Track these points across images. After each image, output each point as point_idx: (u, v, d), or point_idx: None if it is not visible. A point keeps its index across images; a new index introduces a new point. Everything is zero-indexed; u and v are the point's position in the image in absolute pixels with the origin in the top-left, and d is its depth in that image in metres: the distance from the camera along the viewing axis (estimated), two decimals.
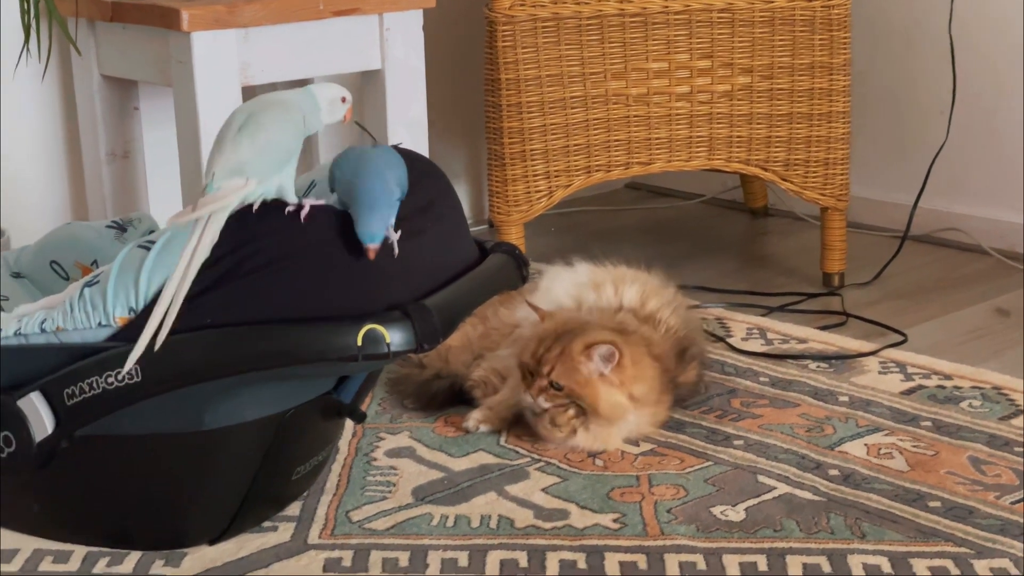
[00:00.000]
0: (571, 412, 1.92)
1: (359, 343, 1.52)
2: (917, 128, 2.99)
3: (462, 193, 3.12)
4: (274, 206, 1.58)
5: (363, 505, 1.80)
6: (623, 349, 1.91)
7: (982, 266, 2.82)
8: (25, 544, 1.70)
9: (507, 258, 1.74)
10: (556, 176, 2.59)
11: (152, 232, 1.80)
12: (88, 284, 1.61)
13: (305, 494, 1.82)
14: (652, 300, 2.09)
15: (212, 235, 1.54)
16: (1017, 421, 2.03)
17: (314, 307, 1.55)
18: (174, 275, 1.52)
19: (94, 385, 1.57)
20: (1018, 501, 1.78)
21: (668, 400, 2.02)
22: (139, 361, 1.53)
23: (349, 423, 2.00)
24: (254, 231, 1.57)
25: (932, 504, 1.78)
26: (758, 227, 3.19)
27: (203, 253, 1.53)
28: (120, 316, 1.59)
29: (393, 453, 1.96)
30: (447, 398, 2.09)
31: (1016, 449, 1.93)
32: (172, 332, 1.52)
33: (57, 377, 1.59)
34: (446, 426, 2.04)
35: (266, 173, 1.56)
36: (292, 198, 1.60)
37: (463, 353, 2.11)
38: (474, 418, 2.01)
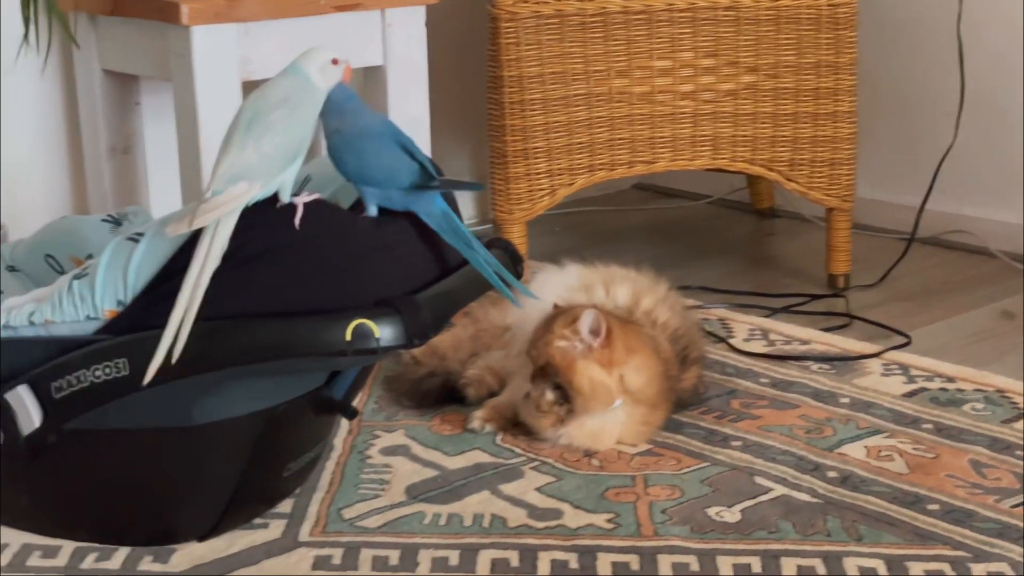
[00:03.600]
0: (550, 396, 1.89)
1: (348, 338, 1.50)
2: (925, 129, 2.96)
3: (465, 191, 3.09)
4: (266, 200, 1.57)
5: (355, 503, 1.78)
6: (612, 323, 1.87)
7: (988, 269, 2.79)
8: (14, 539, 1.69)
9: (501, 253, 1.72)
10: (559, 174, 2.57)
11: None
12: (77, 276, 1.60)
13: (297, 491, 1.80)
14: (645, 298, 2.06)
15: (222, 243, 1.52)
16: (1019, 424, 2.00)
17: (303, 301, 1.54)
18: (185, 285, 1.50)
19: (82, 378, 1.55)
20: (1018, 505, 1.76)
21: (666, 408, 1.98)
22: (127, 354, 1.52)
23: (344, 421, 1.98)
24: (245, 224, 1.55)
25: (931, 507, 1.76)
26: (764, 228, 3.16)
27: (214, 262, 1.51)
28: (108, 309, 1.58)
29: (388, 451, 1.94)
30: (440, 396, 2.07)
31: (1017, 453, 1.91)
32: (158, 326, 1.50)
33: (45, 370, 1.58)
34: (442, 424, 2.03)
35: (271, 176, 1.55)
36: (287, 197, 1.59)
37: (457, 353, 2.09)
38: (478, 418, 1.99)
